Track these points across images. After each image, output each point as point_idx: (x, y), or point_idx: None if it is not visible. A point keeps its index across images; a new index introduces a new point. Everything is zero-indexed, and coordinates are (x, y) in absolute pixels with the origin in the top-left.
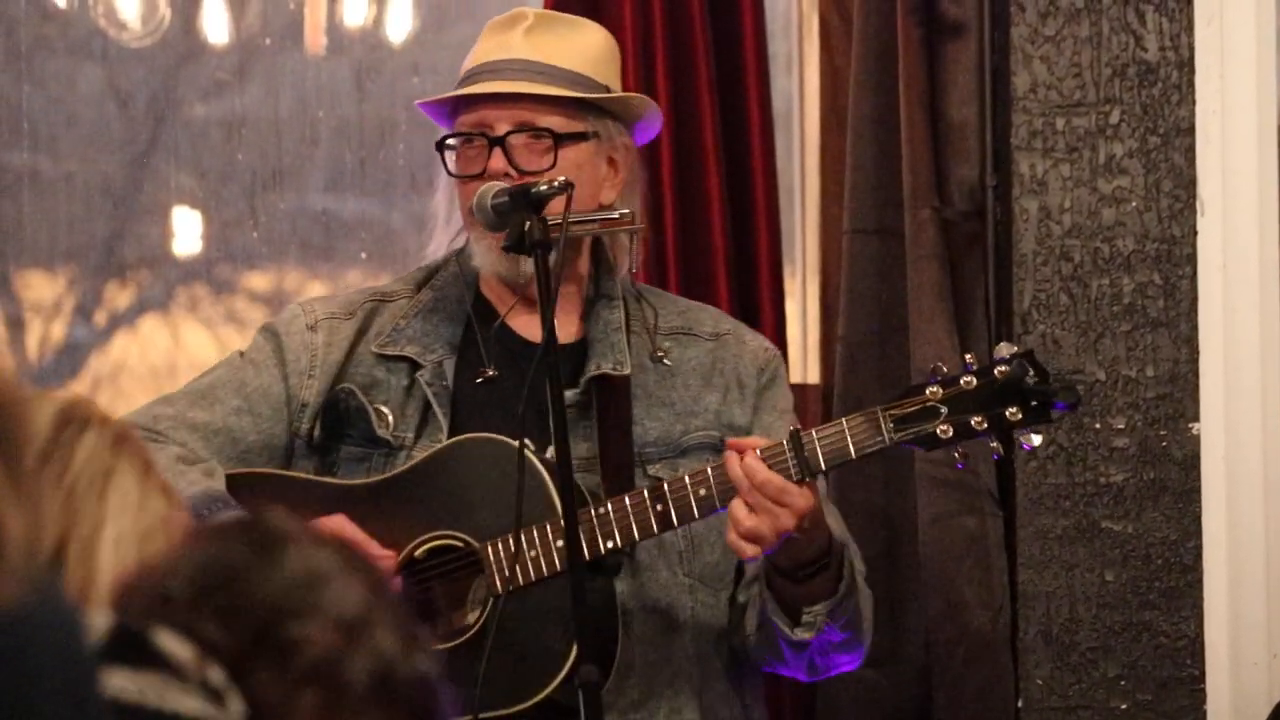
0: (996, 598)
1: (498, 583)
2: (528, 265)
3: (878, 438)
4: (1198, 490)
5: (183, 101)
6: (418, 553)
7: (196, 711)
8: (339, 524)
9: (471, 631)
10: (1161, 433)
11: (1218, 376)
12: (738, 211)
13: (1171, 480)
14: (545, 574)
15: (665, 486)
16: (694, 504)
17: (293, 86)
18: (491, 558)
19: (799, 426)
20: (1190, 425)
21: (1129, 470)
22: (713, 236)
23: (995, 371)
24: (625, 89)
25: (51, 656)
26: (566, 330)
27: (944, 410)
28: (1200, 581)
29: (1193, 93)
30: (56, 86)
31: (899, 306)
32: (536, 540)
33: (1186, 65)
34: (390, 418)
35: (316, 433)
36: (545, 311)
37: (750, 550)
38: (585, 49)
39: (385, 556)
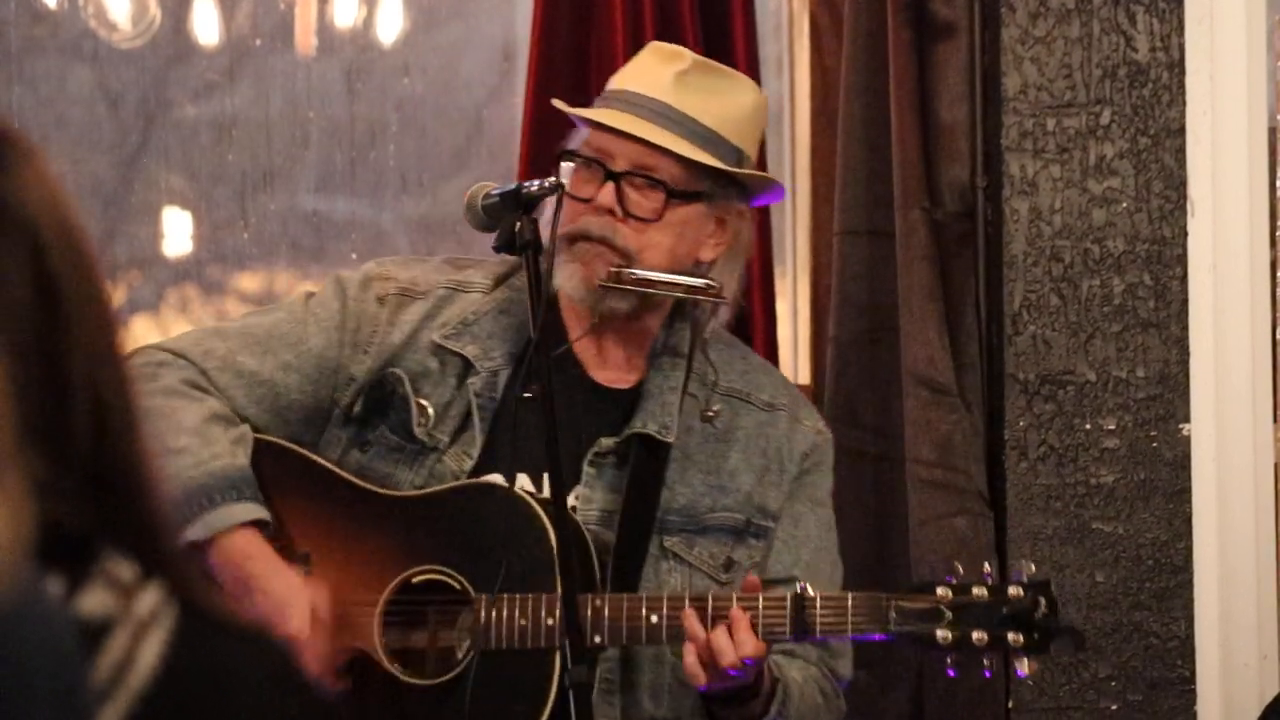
0: None
1: (481, 637)
2: (609, 303)
3: (876, 624)
4: (1188, 491)
5: (173, 102)
6: (415, 580)
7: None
8: (319, 607)
9: (444, 678)
10: (1152, 434)
11: (1208, 377)
12: None
13: (1162, 481)
14: (529, 645)
15: (664, 600)
16: None
17: (283, 87)
18: (484, 612)
19: (805, 586)
20: (1181, 426)
21: (1119, 471)
22: None
23: (1009, 591)
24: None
25: (38, 652)
26: (626, 374)
27: (949, 615)
28: (1191, 582)
29: (1183, 93)
30: (47, 87)
31: (890, 307)
32: (530, 610)
33: (1177, 66)
34: (431, 414)
35: (357, 408)
36: (535, 310)
37: (705, 679)
38: (728, 108)
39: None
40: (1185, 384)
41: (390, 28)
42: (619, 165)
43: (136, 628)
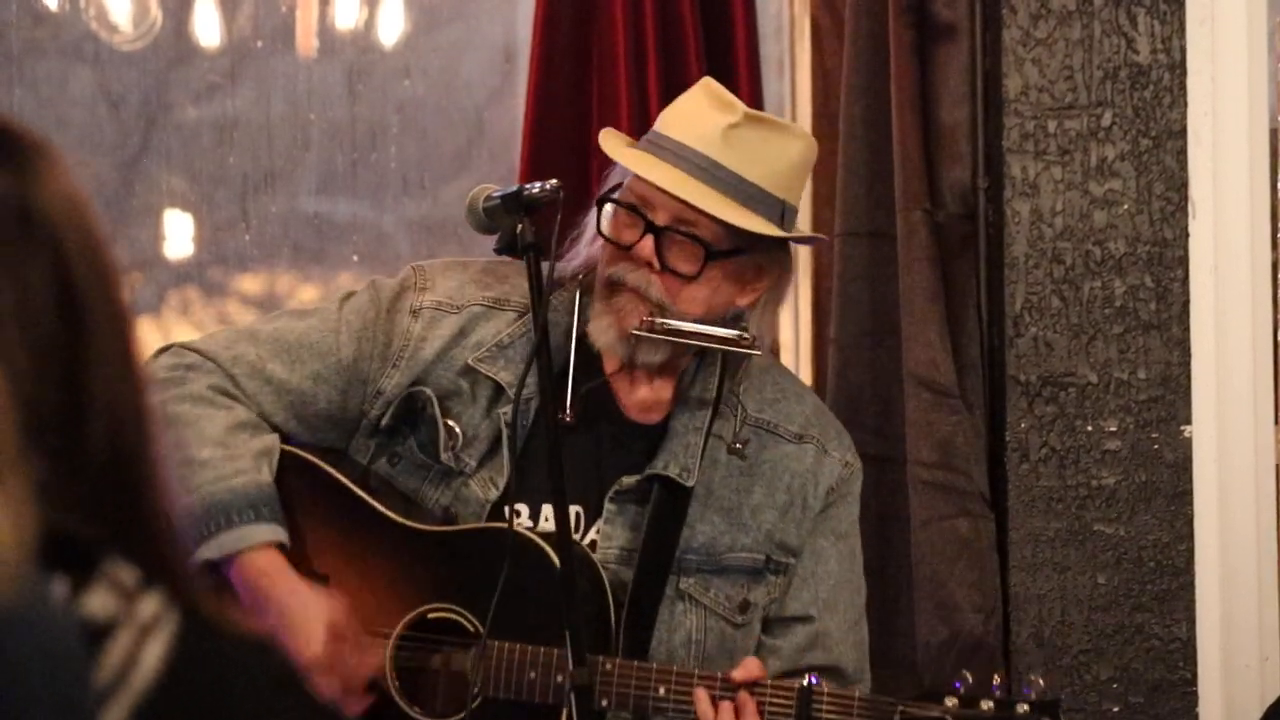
0: (989, 600)
1: (490, 683)
2: (642, 354)
3: None
4: (1189, 493)
5: (174, 104)
6: (429, 616)
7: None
8: (337, 622)
9: (456, 718)
10: (1153, 435)
11: (1209, 379)
12: None
13: (1163, 483)
14: (537, 699)
15: (673, 671)
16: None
17: (284, 89)
18: (494, 657)
19: (815, 680)
20: (1182, 428)
21: (1121, 473)
22: None
23: (1017, 708)
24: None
25: (37, 654)
26: (656, 409)
27: None
28: (1192, 584)
29: (1184, 95)
30: (48, 89)
31: (891, 309)
32: (540, 663)
33: (1178, 68)
34: (460, 436)
35: (386, 419)
36: (537, 313)
37: None
38: (775, 162)
39: (356, 692)
40: (1186, 386)
41: (391, 29)
42: (660, 219)
43: (139, 630)
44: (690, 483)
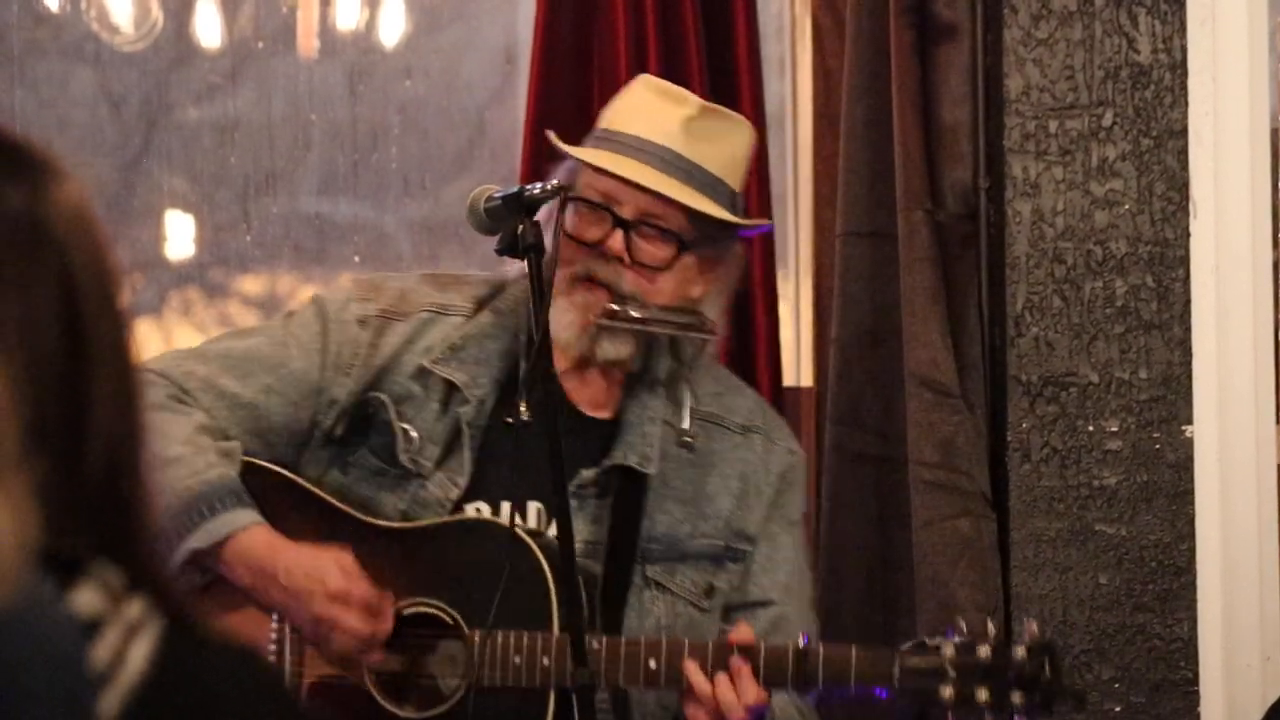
0: (990, 600)
1: (479, 673)
2: (607, 348)
3: (880, 678)
4: (1191, 492)
5: (175, 105)
6: (405, 611)
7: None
8: (346, 563)
9: (433, 712)
10: (1155, 435)
11: (1210, 379)
12: None
13: (1165, 483)
14: (524, 684)
15: (663, 644)
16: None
17: (285, 90)
18: (476, 649)
19: (808, 640)
20: (1183, 428)
21: (1122, 473)
22: None
23: (1013, 652)
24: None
25: (38, 654)
26: (602, 403)
27: (952, 674)
28: (1194, 584)
29: (1185, 95)
30: (49, 90)
31: (892, 309)
32: (525, 648)
33: (1179, 67)
34: (416, 440)
35: (339, 429)
36: (539, 313)
37: None
38: (729, 151)
39: (383, 615)
40: (1188, 385)
41: (392, 30)
42: (627, 213)
43: (126, 629)
44: (651, 469)
